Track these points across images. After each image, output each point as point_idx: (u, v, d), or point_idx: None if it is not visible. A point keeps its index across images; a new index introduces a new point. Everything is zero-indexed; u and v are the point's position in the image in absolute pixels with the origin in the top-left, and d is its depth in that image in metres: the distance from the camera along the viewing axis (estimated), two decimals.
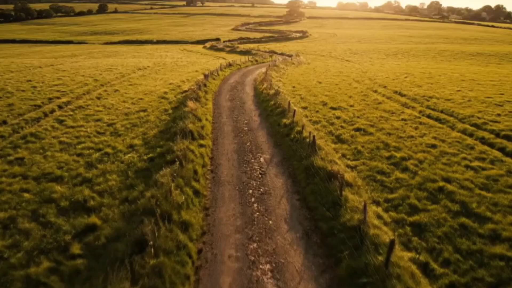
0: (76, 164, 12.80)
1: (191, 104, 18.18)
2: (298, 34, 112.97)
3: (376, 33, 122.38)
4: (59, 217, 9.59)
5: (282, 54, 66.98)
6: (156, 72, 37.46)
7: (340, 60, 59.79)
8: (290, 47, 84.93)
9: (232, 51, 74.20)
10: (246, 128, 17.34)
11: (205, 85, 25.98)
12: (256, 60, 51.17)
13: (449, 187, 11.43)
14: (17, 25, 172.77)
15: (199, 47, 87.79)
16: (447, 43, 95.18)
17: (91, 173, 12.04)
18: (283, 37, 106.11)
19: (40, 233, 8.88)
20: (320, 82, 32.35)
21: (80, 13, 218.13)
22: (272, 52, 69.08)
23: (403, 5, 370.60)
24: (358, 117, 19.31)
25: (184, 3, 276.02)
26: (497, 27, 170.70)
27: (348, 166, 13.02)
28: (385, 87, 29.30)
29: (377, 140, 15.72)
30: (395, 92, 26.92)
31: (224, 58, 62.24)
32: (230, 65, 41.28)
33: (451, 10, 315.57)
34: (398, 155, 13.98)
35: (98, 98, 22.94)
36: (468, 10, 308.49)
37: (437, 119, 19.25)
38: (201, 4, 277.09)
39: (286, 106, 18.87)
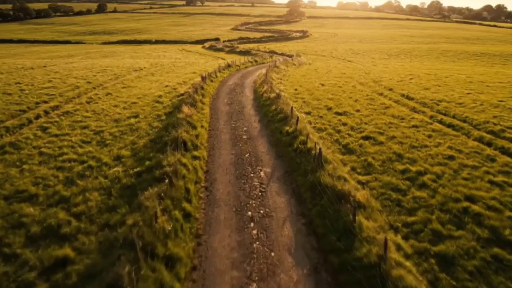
0: (55, 180, 11.44)
1: (186, 109, 16.82)
2: (298, 34, 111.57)
3: (377, 33, 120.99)
4: (26, 248, 8.23)
5: (282, 54, 65.60)
6: (152, 73, 36.10)
7: (341, 60, 58.40)
8: (290, 47, 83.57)
9: (232, 51, 72.84)
10: (245, 136, 15.99)
11: (202, 88, 24.63)
12: (256, 61, 49.79)
13: (475, 208, 10.08)
14: (16, 24, 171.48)
15: (198, 47, 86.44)
16: (450, 43, 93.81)
17: (69, 191, 10.68)
18: (283, 37, 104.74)
19: (1, 270, 7.52)
20: (323, 85, 30.97)
21: (79, 13, 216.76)
22: (272, 52, 67.72)
23: (404, 4, 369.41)
24: (365, 123, 17.95)
25: (184, 2, 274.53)
26: (499, 26, 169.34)
27: (358, 181, 11.66)
28: (391, 89, 27.95)
29: (388, 150, 14.37)
30: (402, 95, 25.57)
31: (223, 59, 60.89)
32: (229, 66, 39.89)
33: (452, 9, 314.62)
34: (413, 168, 12.62)
35: (88, 102, 21.58)
36: (469, 9, 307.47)
37: (450, 126, 17.89)
38: (200, 4, 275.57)
39: (289, 111, 17.51)
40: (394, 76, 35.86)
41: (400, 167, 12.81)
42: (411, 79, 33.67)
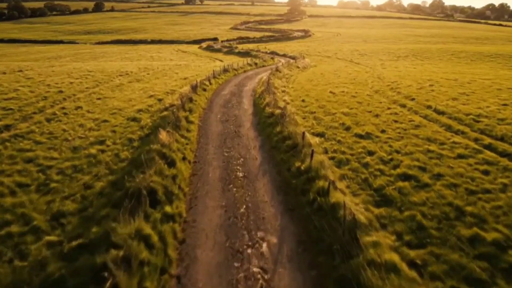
0: None
1: (163, 136, 12.75)
2: (300, 34, 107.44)
3: (381, 32, 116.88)
4: None
5: (284, 55, 61.51)
6: (139, 79, 32.05)
7: (348, 62, 54.35)
8: (292, 47, 79.49)
9: (230, 52, 68.74)
10: (241, 174, 11.93)
11: (191, 100, 20.65)
12: (256, 63, 45.71)
13: None
14: (10, 23, 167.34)
15: (195, 47, 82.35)
16: (459, 43, 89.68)
17: None
18: (285, 37, 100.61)
19: None
20: (333, 93, 26.96)
21: (76, 12, 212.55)
22: (274, 54, 63.62)
23: (405, 3, 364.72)
24: (397, 151, 13.90)
25: (183, 1, 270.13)
26: (505, 25, 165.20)
27: (411, 262, 7.62)
28: (413, 99, 23.90)
29: (440, 199, 10.31)
30: (428, 107, 21.53)
31: (220, 60, 56.83)
32: (225, 70, 35.85)
33: (454, 8, 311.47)
34: (486, 235, 8.58)
35: (49, 120, 17.50)
36: (471, 8, 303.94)
37: (505, 155, 13.87)
38: (200, 3, 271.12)
39: (299, 137, 13.46)
40: (411, 82, 31.79)
41: (466, 232, 8.76)
42: (431, 85, 29.61)
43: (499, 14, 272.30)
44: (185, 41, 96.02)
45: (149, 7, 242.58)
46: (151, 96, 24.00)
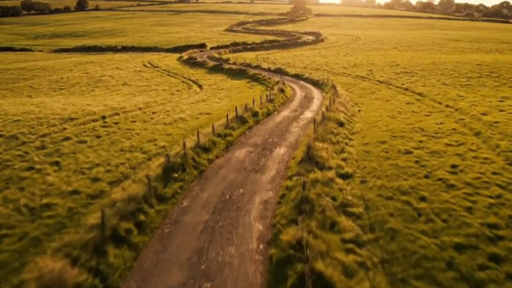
0: None
1: None
2: (310, 37, 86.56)
3: (407, 35, 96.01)
4: None
5: (297, 76, 40.77)
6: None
7: (401, 90, 33.84)
8: (304, 58, 58.71)
9: (217, 68, 47.93)
10: None
11: None
12: (256, 114, 24.64)
13: None
14: None
15: (174, 57, 61.58)
16: None
17: None
18: (291, 42, 79.79)
19: None
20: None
21: (56, 11, 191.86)
22: (280, 73, 42.86)
23: (412, 1, 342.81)
24: None
25: None
26: None
27: None
28: None
29: None
30: None
31: (199, 86, 36.19)
32: (182, 156, 14.91)
33: (467, 6, 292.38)
34: None
35: None
36: (485, 7, 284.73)
37: None
38: (195, 1, 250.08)
39: None
40: None
41: None
42: None
43: None
44: (164, 48, 75.26)
45: (138, 5, 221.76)
46: None
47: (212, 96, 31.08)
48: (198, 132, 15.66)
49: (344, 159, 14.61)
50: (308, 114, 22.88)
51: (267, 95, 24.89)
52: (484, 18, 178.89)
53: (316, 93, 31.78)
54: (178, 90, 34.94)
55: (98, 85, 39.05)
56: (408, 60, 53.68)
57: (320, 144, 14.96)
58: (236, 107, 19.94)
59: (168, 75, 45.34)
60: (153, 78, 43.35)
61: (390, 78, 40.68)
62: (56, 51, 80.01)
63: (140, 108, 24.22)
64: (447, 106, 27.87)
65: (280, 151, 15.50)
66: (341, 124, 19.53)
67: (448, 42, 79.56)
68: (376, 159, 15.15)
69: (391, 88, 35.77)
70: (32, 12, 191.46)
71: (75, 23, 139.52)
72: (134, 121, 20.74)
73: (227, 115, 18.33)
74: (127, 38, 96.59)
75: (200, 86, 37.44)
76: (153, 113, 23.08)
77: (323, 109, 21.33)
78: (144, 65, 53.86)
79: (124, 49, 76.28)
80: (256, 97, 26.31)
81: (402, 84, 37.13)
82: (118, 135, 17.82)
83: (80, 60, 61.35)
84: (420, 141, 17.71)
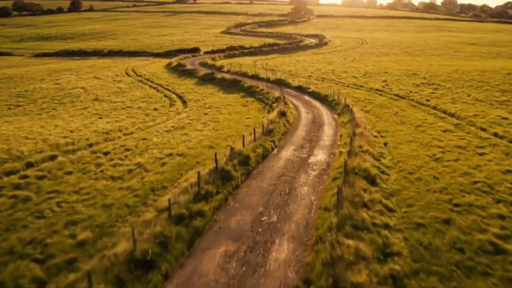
0: None
1: None
2: (312, 40, 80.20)
3: (415, 38, 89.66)
4: None
5: (301, 89, 34.40)
6: None
7: (430, 110, 27.40)
8: (307, 63, 52.32)
9: (208, 77, 41.53)
10: None
11: None
12: (254, 154, 18.14)
13: None
14: None
15: (162, 63, 55.24)
16: None
17: None
18: (292, 45, 73.37)
19: None
20: None
21: (48, 12, 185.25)
22: (280, 84, 36.52)
23: (415, 1, 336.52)
24: None
25: None
26: None
27: None
28: None
29: None
30: None
31: (184, 102, 29.83)
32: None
33: (471, 7, 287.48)
34: None
35: None
36: (489, 7, 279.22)
37: None
38: (192, 1, 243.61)
39: None
40: None
41: None
42: None
43: None
44: (154, 52, 68.87)
45: (134, 5, 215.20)
46: None
47: (196, 119, 24.71)
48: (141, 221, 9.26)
49: (393, 276, 8.18)
50: (321, 156, 16.44)
51: (263, 126, 18.44)
52: (493, 20, 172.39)
53: (325, 114, 25.39)
54: (156, 109, 28.51)
55: (64, 101, 32.64)
56: (426, 68, 47.29)
57: (350, 242, 8.58)
58: (215, 155, 13.46)
59: (150, 86, 38.94)
60: (131, 90, 36.98)
61: (411, 92, 34.31)
62: (37, 55, 73.59)
63: (90, 145, 17.79)
64: (496, 135, 21.59)
65: (281, 253, 9.14)
66: (372, 181, 13.11)
67: (462, 46, 73.13)
68: (452, 275, 8.74)
69: (415, 106, 29.36)
70: (24, 13, 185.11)
71: (65, 25, 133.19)
72: (70, 172, 14.34)
73: (198, 175, 11.83)
74: (116, 41, 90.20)
75: (184, 103, 31.06)
76: (106, 153, 16.68)
77: (344, 153, 14.90)
78: (127, 73, 47.49)
79: (111, 53, 69.87)
80: (250, 123, 19.92)
81: (427, 100, 30.76)
82: (26, 209, 11.37)
83: (58, 67, 54.99)
84: (502, 217, 11.31)
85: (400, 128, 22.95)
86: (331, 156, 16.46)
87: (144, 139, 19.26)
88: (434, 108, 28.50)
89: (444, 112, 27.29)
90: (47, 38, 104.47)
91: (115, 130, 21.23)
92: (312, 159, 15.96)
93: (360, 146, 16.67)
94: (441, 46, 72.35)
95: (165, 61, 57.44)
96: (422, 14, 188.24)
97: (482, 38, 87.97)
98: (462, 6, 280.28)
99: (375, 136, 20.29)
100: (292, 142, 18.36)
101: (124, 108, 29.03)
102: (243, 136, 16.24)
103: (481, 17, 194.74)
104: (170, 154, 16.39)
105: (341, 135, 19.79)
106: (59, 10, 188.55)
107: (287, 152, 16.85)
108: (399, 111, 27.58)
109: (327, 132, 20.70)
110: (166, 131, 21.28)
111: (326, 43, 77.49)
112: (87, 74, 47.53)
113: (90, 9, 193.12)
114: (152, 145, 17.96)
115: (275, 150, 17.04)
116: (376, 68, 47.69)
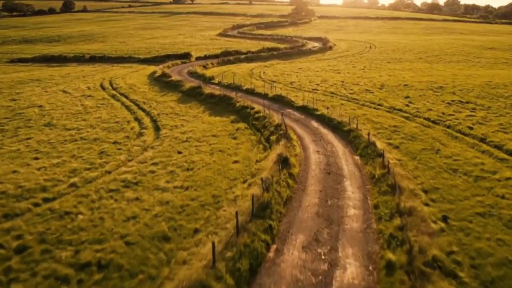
0: None
1: None
2: (316, 44, 73.23)
3: (427, 41, 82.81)
4: None
5: (307, 110, 27.46)
6: None
7: (486, 150, 20.41)
8: (311, 72, 45.37)
9: (194, 92, 34.57)
10: None
11: None
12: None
13: None
14: None
15: (146, 72, 48.40)
16: None
17: None
18: (294, 50, 66.45)
19: None
20: None
21: (40, 13, 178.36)
22: (281, 102, 29.65)
23: (417, 2, 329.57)
24: None
25: (171, 0, 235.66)
26: None
27: None
28: None
29: None
30: None
31: (155, 130, 22.71)
32: None
33: (475, 7, 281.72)
34: None
35: None
36: (493, 8, 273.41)
37: None
38: (190, 2, 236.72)
39: None
40: None
41: None
42: None
43: None
44: (141, 58, 61.92)
45: (129, 6, 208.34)
46: None
47: (163, 163, 17.81)
48: None
49: None
50: (353, 268, 9.45)
51: (253, 198, 11.51)
52: (503, 21, 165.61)
53: (343, 155, 18.44)
54: (116, 142, 21.56)
55: (7, 126, 25.72)
56: (451, 80, 40.35)
57: None
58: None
59: (122, 104, 32.04)
60: (98, 110, 30.07)
61: (444, 114, 27.44)
62: (12, 61, 66.57)
63: None
64: None
65: None
66: None
67: (481, 51, 66.22)
68: None
69: (457, 138, 22.41)
70: (14, 14, 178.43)
71: (53, 26, 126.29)
72: None
73: None
74: (103, 45, 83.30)
75: (158, 130, 24.17)
76: None
77: (396, 265, 8.00)
78: (101, 85, 40.59)
79: (92, 59, 62.90)
80: (237, 175, 13.14)
81: (470, 128, 23.83)
82: None
83: (26, 77, 48.12)
84: None
85: (453, 181, 16.03)
86: (372, 267, 9.47)
87: (67, 213, 12.33)
88: (483, 141, 21.61)
89: (499, 148, 20.40)
90: (30, 41, 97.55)
91: (35, 189, 14.32)
92: (338, 277, 9.01)
93: (415, 240, 9.74)
94: (457, 51, 65.41)
95: (151, 68, 50.61)
96: (428, 15, 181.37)
97: (499, 42, 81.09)
98: (466, 6, 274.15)
99: (426, 204, 13.36)
100: (299, 226, 11.42)
101: (75, 140, 22.09)
102: (215, 234, 9.27)
103: (488, 18, 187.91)
104: (86, 266, 9.41)
105: (375, 205, 12.82)
106: (51, 11, 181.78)
107: (293, 256, 9.91)
108: (440, 146, 20.69)
109: (352, 195, 13.76)
110: (111, 190, 14.37)
111: (330, 47, 70.55)
112: (55, 87, 40.65)
113: (83, 10, 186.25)
114: (68, 233, 11.01)
115: (272, 250, 10.10)
116: (392, 79, 40.78)
